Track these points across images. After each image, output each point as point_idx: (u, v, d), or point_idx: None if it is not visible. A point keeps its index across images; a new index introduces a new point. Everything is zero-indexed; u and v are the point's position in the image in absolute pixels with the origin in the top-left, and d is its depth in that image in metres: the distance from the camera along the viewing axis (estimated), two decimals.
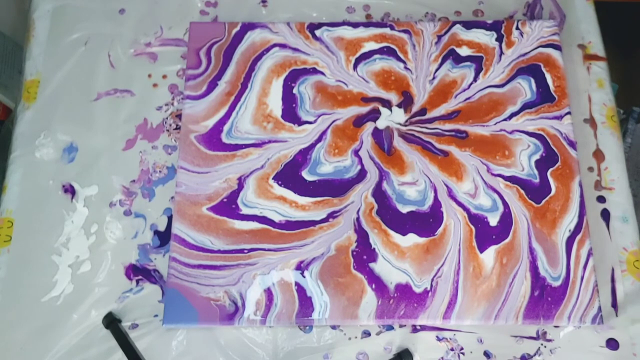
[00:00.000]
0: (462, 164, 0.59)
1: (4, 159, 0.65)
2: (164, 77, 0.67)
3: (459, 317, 0.54)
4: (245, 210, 0.57)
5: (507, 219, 0.57)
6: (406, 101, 0.62)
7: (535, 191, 0.58)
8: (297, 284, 0.55)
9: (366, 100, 0.62)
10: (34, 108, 0.66)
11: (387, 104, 0.62)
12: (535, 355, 0.55)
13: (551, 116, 0.61)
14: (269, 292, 0.54)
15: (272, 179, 0.58)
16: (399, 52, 0.64)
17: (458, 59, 0.63)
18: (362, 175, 0.58)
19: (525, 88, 0.62)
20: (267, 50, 0.64)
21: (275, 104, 0.62)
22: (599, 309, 0.54)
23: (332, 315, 0.54)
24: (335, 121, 0.61)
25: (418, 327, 0.56)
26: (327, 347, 0.56)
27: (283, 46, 0.64)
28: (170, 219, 0.60)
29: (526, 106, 0.61)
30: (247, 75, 0.63)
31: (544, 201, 0.57)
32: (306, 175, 0.59)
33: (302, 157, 0.59)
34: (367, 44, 0.64)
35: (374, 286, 0.54)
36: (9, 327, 0.57)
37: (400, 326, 0.56)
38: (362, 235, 0.56)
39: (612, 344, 0.56)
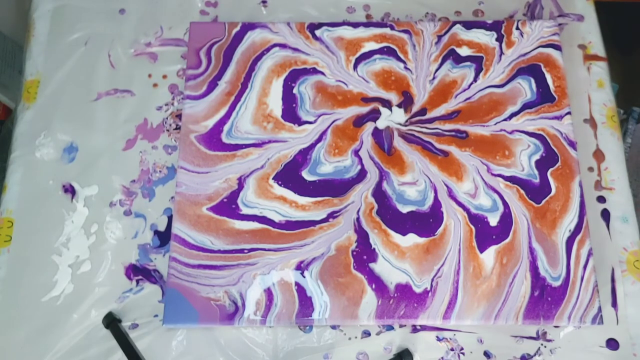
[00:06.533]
0: (462, 164, 0.59)
1: (4, 159, 0.65)
2: (164, 77, 0.67)
3: (459, 317, 0.54)
4: (245, 210, 0.57)
5: (507, 219, 0.57)
6: (406, 101, 0.62)
7: (535, 191, 0.58)
8: (297, 284, 0.55)
9: (366, 100, 0.62)
10: (34, 108, 0.66)
11: (387, 104, 0.62)
12: (535, 355, 0.55)
13: (551, 116, 0.61)
14: (269, 292, 0.54)
15: (272, 179, 0.58)
16: (399, 52, 0.64)
17: (458, 59, 0.63)
18: (362, 175, 0.58)
19: (526, 88, 0.62)
20: (267, 50, 0.64)
21: (275, 104, 0.62)
22: (599, 309, 0.54)
23: (332, 315, 0.54)
24: (335, 121, 0.61)
25: (418, 327, 0.56)
26: (327, 347, 0.56)
27: (283, 46, 0.64)
28: (170, 219, 0.60)
29: (526, 106, 0.61)
30: (247, 75, 0.63)
31: (544, 201, 0.57)
32: (306, 175, 0.59)
33: (302, 157, 0.59)
34: (367, 44, 0.64)
35: (374, 286, 0.54)
36: (9, 327, 0.57)
37: (400, 326, 0.56)
38: (362, 235, 0.56)
39: (612, 344, 0.56)
